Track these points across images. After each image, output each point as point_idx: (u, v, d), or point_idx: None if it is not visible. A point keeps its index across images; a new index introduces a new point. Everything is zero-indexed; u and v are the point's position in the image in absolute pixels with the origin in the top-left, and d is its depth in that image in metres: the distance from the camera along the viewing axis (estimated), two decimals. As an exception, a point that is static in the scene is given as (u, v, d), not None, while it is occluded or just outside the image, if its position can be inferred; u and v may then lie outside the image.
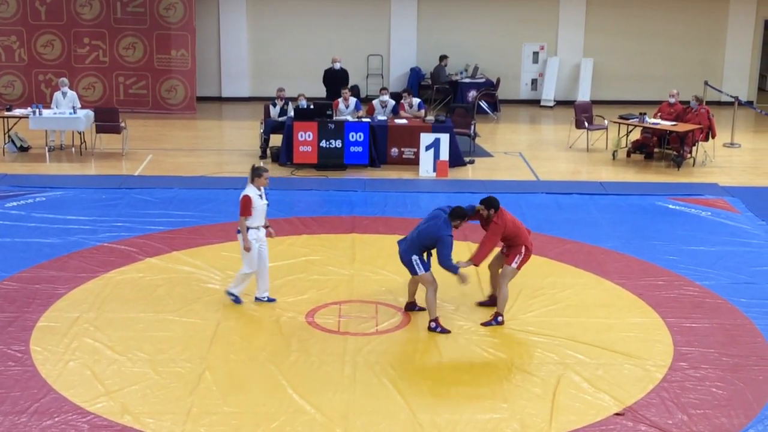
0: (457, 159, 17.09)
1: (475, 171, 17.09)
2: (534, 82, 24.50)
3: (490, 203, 9.75)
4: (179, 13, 21.83)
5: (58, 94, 17.89)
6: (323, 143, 16.74)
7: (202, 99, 22.87)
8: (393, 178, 16.28)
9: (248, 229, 10.00)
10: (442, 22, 23.77)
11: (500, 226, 9.69)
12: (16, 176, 15.74)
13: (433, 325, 9.62)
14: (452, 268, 9.44)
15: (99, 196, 14.60)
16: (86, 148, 17.76)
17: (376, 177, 16.39)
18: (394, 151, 17.18)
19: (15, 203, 14.00)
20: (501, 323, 9.82)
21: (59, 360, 8.90)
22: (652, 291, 10.94)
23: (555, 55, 24.13)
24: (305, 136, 16.73)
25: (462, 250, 11.19)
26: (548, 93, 24.06)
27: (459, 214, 9.46)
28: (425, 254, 9.53)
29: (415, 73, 23.61)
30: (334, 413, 8.03)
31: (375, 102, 18.11)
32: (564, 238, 12.88)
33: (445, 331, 9.59)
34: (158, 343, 9.31)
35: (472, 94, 22.58)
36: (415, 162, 16.82)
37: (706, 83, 21.00)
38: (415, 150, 16.87)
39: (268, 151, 17.58)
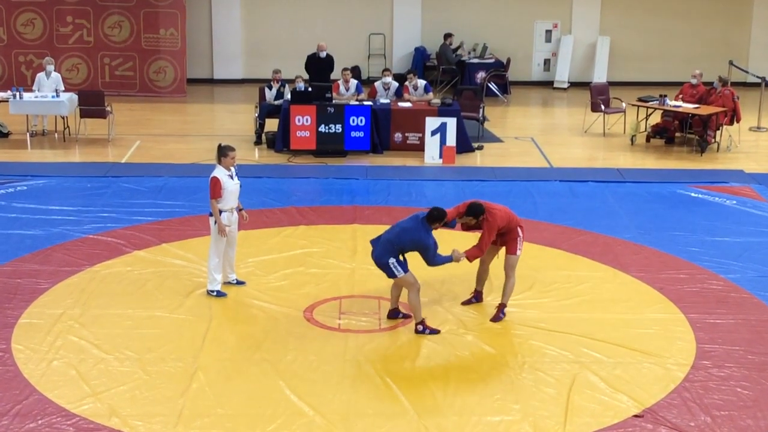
0: (464, 144, 17.08)
1: (483, 157, 17.08)
2: (546, 62, 24.46)
3: (478, 211, 9.56)
4: (168, -11, 21.78)
5: (41, 75, 17.87)
6: (322, 128, 16.73)
7: (192, 81, 22.85)
8: (396, 165, 16.28)
9: (220, 212, 10.09)
10: (449, -2, 23.72)
11: (494, 223, 9.59)
12: (-5, 164, 15.76)
13: (420, 327, 9.52)
14: (445, 261, 9.42)
15: (84, 185, 14.60)
16: (70, 134, 17.76)
17: (379, 164, 16.38)
18: (398, 136, 17.17)
19: (-6, 193, 14.01)
20: (504, 315, 9.91)
21: (42, 359, 8.90)
22: (673, 285, 10.93)
23: (569, 34, 24.08)
24: (303, 121, 16.72)
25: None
26: (562, 74, 24.02)
27: (437, 217, 9.25)
28: (401, 256, 9.39)
29: (420, 53, 23.57)
30: (335, 415, 8.03)
31: (377, 84, 18.09)
32: (579, 229, 12.87)
33: (434, 331, 9.53)
34: (147, 341, 9.32)
35: (481, 75, 22.55)
36: (420, 148, 16.81)
37: (730, 63, 20.94)
38: (420, 135, 16.85)
39: (264, 137, 17.58)
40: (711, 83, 18.02)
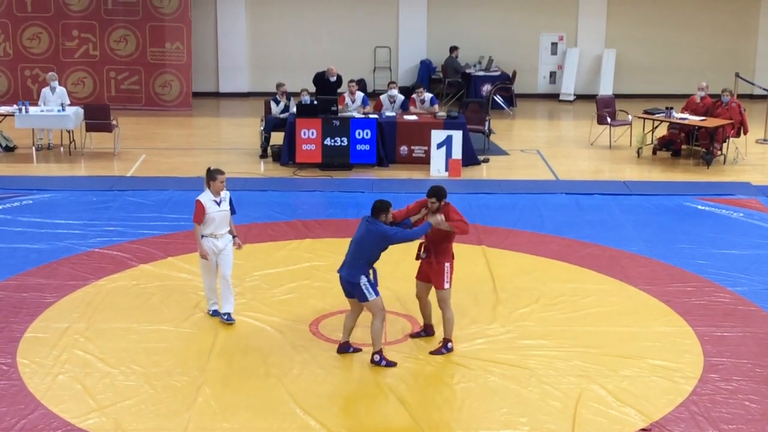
0: (470, 157, 17.10)
1: (489, 170, 17.09)
2: (552, 74, 24.49)
3: (441, 193, 9.22)
4: (174, 3, 21.89)
5: (46, 90, 17.95)
6: (328, 141, 16.76)
7: (198, 95, 22.94)
8: (402, 179, 16.28)
9: (202, 236, 9.86)
10: (454, 10, 23.78)
11: (455, 209, 9.26)
12: (1, 178, 15.80)
13: (377, 358, 9.12)
14: (423, 230, 9.00)
15: (89, 199, 14.64)
16: (75, 148, 17.81)
17: (385, 177, 16.39)
18: (404, 149, 17.19)
19: (0, 206, 14.04)
20: (451, 350, 9.47)
21: (48, 373, 8.91)
22: (680, 298, 10.91)
23: (575, 46, 24.12)
24: (308, 134, 16.74)
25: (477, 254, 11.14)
26: (568, 86, 24.05)
27: (380, 208, 8.98)
28: (372, 272, 9.07)
29: (426, 66, 23.63)
30: (341, 429, 8.02)
31: (383, 97, 18.13)
32: (585, 242, 12.86)
33: (390, 364, 9.15)
34: (153, 355, 9.32)
35: (487, 88, 22.58)
36: (425, 161, 16.82)
37: (737, 75, 20.92)
38: (426, 148, 16.87)
39: (269, 150, 17.62)
40: (718, 96, 18.01)
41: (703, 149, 17.58)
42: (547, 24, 24.16)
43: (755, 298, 10.93)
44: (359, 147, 16.83)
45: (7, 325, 9.90)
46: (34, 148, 17.63)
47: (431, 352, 9.44)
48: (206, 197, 9.86)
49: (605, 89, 23.21)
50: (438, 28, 23.81)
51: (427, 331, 9.88)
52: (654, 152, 18.21)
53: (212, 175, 9.85)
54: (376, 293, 9.04)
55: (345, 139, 16.76)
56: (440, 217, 9.14)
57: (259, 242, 12.23)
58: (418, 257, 9.48)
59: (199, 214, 9.80)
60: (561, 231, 13.32)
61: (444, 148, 16.56)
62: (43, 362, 9.11)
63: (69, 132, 17.66)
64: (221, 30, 23.58)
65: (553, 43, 24.33)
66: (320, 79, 19.58)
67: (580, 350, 9.53)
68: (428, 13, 23.80)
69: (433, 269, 9.37)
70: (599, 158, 18.14)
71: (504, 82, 22.76)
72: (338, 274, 9.21)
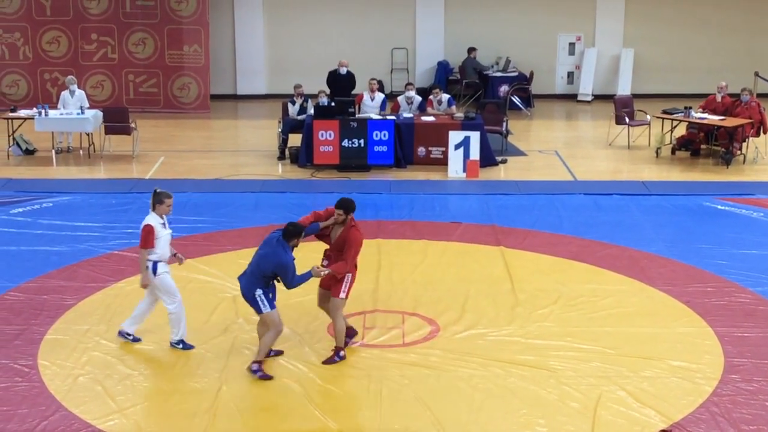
0: (488, 158, 17.07)
1: (507, 171, 17.06)
2: (570, 75, 24.44)
3: (350, 206, 9.15)
4: (191, 6, 21.97)
5: (65, 94, 18.05)
6: (345, 142, 16.77)
7: (216, 97, 23.00)
8: (420, 180, 16.28)
9: (155, 262, 9.35)
10: (471, 11, 23.77)
11: (359, 236, 9.16)
12: (21, 181, 15.90)
13: (255, 367, 8.95)
14: (304, 279, 8.92)
15: (109, 201, 14.70)
16: (95, 151, 17.90)
17: (402, 178, 16.39)
18: (421, 150, 17.18)
19: (21, 209, 14.13)
20: (343, 357, 9.31)
21: (68, 375, 8.95)
22: (700, 298, 10.86)
23: (592, 46, 24.05)
24: (326, 136, 16.76)
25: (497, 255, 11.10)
26: (585, 87, 23.98)
27: (293, 233, 8.85)
28: (270, 285, 8.95)
29: (443, 67, 23.62)
30: (359, 431, 8.02)
31: (400, 98, 18.13)
32: (604, 242, 12.82)
33: (266, 377, 8.90)
34: (172, 357, 9.35)
35: (504, 88, 22.55)
36: (443, 162, 16.81)
37: (756, 74, 20.85)
38: (444, 149, 16.86)
39: (287, 152, 17.64)
40: (737, 95, 17.92)
41: (723, 149, 17.49)
42: (564, 24, 24.11)
43: (776, 298, 10.88)
44: (377, 148, 16.83)
45: (28, 327, 9.96)
46: (53, 151, 17.72)
47: (324, 362, 9.25)
48: (154, 220, 9.37)
49: (623, 89, 23.14)
50: (455, 29, 23.80)
51: (349, 333, 9.65)
52: (673, 152, 18.14)
53: (159, 198, 9.38)
54: (272, 306, 8.89)
55: (362, 141, 16.77)
56: (318, 269, 8.98)
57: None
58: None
59: (151, 237, 9.28)
60: (579, 232, 13.28)
61: (462, 149, 16.54)
62: (64, 364, 9.16)
63: (88, 135, 17.74)
64: (239, 32, 23.65)
65: (570, 44, 24.28)
66: (333, 75, 19.53)
67: (600, 351, 9.50)
68: (445, 15, 23.79)
69: (333, 278, 9.22)
70: (618, 158, 18.08)
71: (521, 83, 22.71)
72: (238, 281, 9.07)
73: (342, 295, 9.22)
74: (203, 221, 13.67)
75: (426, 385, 8.82)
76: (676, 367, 9.18)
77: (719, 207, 14.57)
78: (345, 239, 9.14)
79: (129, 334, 9.68)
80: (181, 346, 9.52)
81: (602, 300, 10.83)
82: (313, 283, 9.19)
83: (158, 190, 9.52)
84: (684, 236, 13.15)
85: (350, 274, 9.23)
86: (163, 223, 9.46)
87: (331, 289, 9.30)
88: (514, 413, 8.33)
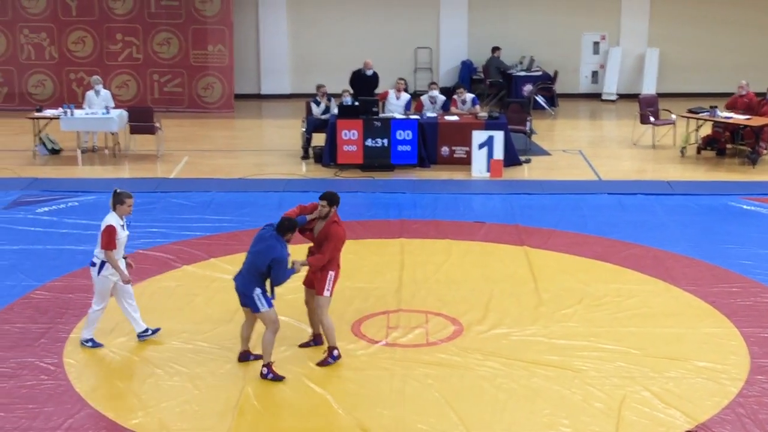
0: (512, 158, 17.03)
1: (531, 170, 17.01)
2: (594, 74, 24.34)
3: (334, 198, 9.15)
4: (216, 6, 22.06)
5: (90, 94, 18.15)
6: (369, 142, 16.78)
7: (240, 97, 23.08)
8: (444, 179, 16.27)
9: (103, 261, 9.31)
10: (495, 11, 23.73)
11: (341, 233, 9.13)
12: (47, 180, 16.01)
13: (265, 371, 8.89)
14: (289, 275, 8.89)
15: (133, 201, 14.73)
16: (120, 150, 18.00)
17: (426, 178, 16.38)
18: (445, 149, 17.16)
19: (46, 208, 14.23)
20: (338, 357, 9.26)
21: (94, 374, 9.01)
22: (726, 298, 10.79)
23: (617, 45, 23.95)
24: (350, 135, 16.78)
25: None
26: (610, 86, 23.89)
27: (288, 227, 8.84)
28: (268, 284, 8.91)
29: (467, 67, 23.60)
30: (384, 430, 8.02)
31: (424, 98, 18.12)
32: (628, 242, 12.76)
33: (278, 378, 8.87)
34: (197, 356, 9.38)
35: (528, 88, 22.49)
36: (467, 161, 16.78)
37: (782, 73, 20.71)
38: (467, 149, 16.83)
39: (311, 151, 17.68)
40: (763, 94, 17.79)
41: (749, 148, 17.38)
42: (589, 23, 24.02)
43: (802, 299, 10.79)
44: (400, 148, 16.83)
45: (54, 325, 10.03)
46: (79, 150, 17.83)
47: (318, 363, 9.20)
48: (115, 220, 9.34)
49: (648, 88, 23.03)
50: (479, 28, 23.76)
51: (315, 340, 9.63)
52: (698, 151, 18.03)
53: (120, 198, 9.36)
54: (269, 305, 8.88)
55: (386, 140, 16.77)
56: (298, 263, 8.98)
57: (300, 244, 12.25)
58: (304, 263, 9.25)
59: (113, 238, 9.22)
60: (603, 231, 13.23)
61: (485, 149, 16.51)
62: (89, 362, 9.21)
63: (113, 134, 17.85)
64: (263, 32, 23.73)
65: (595, 43, 24.19)
66: (357, 76, 19.51)
67: (624, 351, 9.45)
68: (469, 14, 23.77)
69: (316, 275, 9.20)
70: (642, 158, 17.99)
71: (545, 82, 22.66)
72: (234, 282, 9.07)
73: (326, 293, 9.19)
74: (227, 220, 13.72)
75: (449, 385, 8.81)
76: (701, 367, 9.13)
77: (745, 207, 14.47)
78: (326, 234, 9.13)
79: (148, 331, 9.68)
80: (90, 344, 9.49)
81: (626, 300, 10.78)
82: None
83: (118, 190, 9.48)
84: (709, 236, 13.07)
85: (333, 273, 9.20)
86: (123, 225, 9.42)
87: (315, 287, 9.28)
88: (537, 413, 8.30)
